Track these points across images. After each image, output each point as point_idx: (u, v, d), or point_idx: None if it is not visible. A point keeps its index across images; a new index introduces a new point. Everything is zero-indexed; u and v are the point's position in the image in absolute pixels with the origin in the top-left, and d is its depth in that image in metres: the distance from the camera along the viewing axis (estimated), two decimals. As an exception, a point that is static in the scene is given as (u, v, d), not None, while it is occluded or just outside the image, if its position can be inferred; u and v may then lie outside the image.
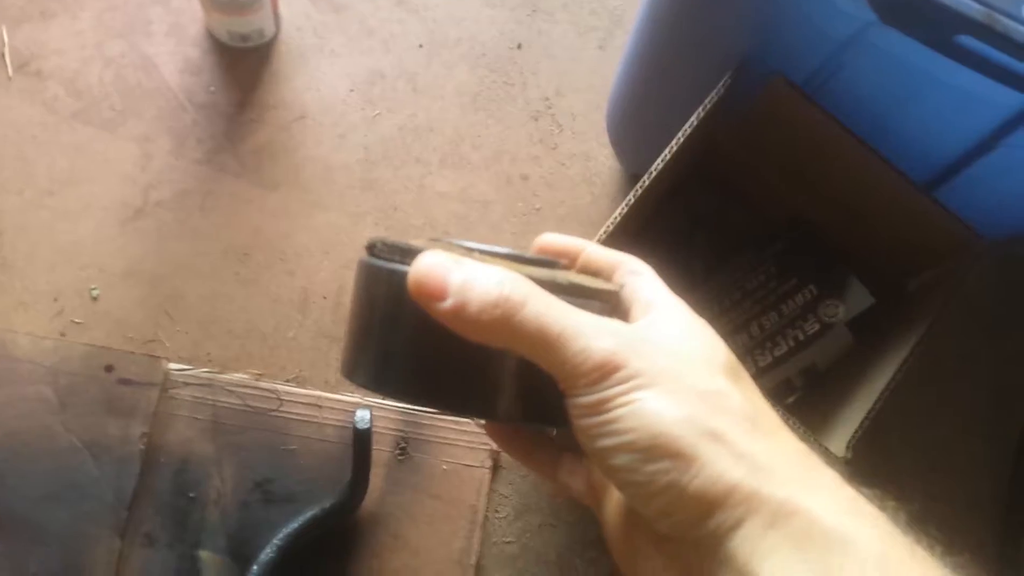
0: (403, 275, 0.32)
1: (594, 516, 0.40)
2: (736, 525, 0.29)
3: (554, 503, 0.78)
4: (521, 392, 0.33)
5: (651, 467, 0.29)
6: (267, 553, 0.72)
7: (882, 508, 0.32)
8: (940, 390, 0.84)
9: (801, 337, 0.70)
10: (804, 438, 0.57)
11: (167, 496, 0.75)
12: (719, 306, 0.74)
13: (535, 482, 0.79)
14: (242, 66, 0.88)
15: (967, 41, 0.50)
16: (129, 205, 0.82)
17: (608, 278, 0.39)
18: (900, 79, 0.59)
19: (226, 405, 0.77)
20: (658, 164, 0.61)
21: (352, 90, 0.89)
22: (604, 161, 0.89)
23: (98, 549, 0.73)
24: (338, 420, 0.78)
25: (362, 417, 0.72)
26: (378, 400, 0.79)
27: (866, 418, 0.58)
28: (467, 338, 0.31)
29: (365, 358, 0.35)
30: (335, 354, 0.81)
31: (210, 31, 0.88)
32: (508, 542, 0.78)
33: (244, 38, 0.87)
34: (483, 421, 0.40)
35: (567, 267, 0.39)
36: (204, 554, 0.74)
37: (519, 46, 0.93)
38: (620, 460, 0.30)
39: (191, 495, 0.75)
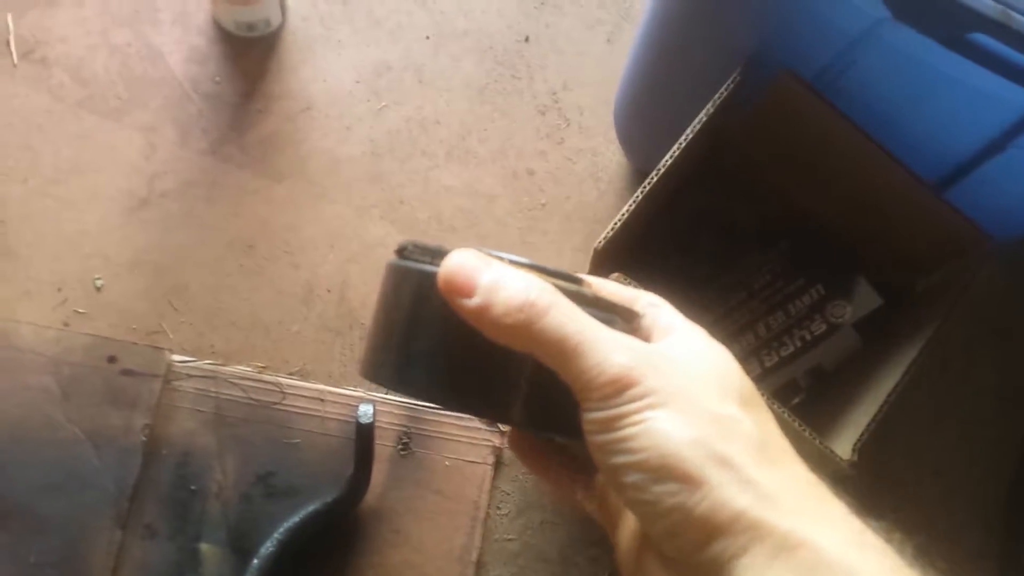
0: (432, 275, 0.32)
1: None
2: (740, 553, 0.29)
3: (556, 501, 0.78)
4: (539, 399, 0.33)
5: (659, 488, 0.29)
6: (268, 547, 0.72)
7: (889, 540, 0.32)
8: (944, 392, 0.84)
9: (808, 337, 0.70)
10: (810, 442, 0.56)
11: (168, 488, 0.75)
12: (725, 305, 0.74)
13: (537, 480, 0.78)
14: (248, 56, 0.87)
15: (981, 39, 0.49)
16: (134, 195, 0.82)
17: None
18: (911, 77, 0.58)
19: (229, 397, 0.77)
20: (667, 160, 0.60)
21: (358, 81, 0.88)
22: (611, 157, 0.89)
23: (99, 540, 0.73)
24: (341, 414, 0.77)
25: (365, 412, 0.72)
26: (381, 395, 0.78)
27: (872, 421, 0.57)
28: (490, 338, 0.31)
29: (388, 357, 0.36)
30: (339, 348, 0.80)
31: (216, 20, 0.88)
32: (509, 539, 0.77)
33: (250, 27, 0.87)
34: (501, 425, 0.41)
35: (588, 285, 0.38)
36: (205, 547, 0.74)
37: (527, 39, 0.92)
38: (630, 478, 0.30)
39: (192, 487, 0.75)
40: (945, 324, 0.62)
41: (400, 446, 0.77)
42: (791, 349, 0.70)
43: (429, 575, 0.75)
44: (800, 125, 0.65)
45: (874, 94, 0.63)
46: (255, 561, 0.72)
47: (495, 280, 0.31)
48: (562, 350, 0.30)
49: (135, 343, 0.78)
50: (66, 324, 0.78)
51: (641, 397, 0.30)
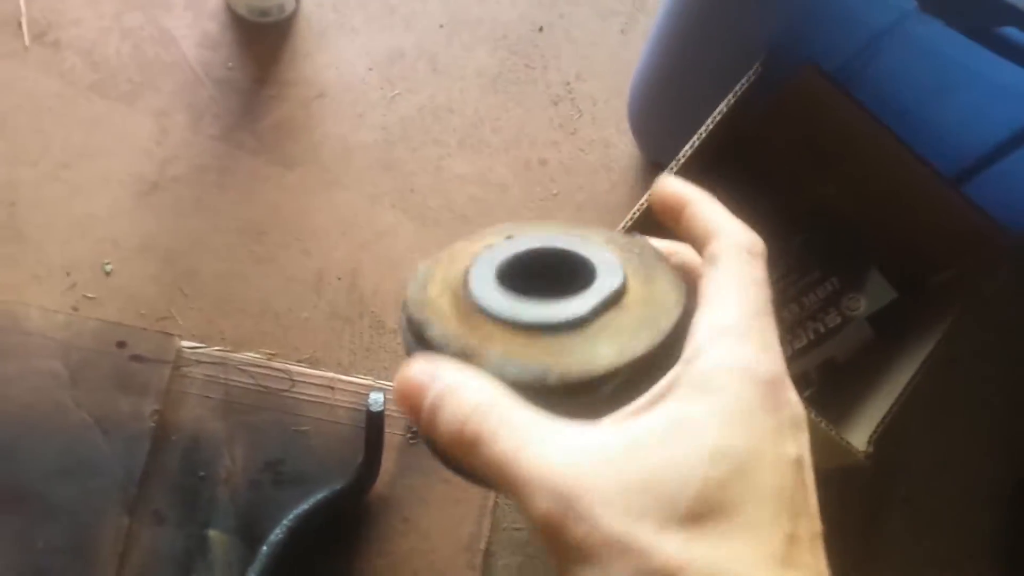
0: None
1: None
2: None
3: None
4: None
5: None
6: (277, 534, 0.72)
7: None
8: (953, 385, 0.84)
9: (822, 330, 0.70)
10: (825, 433, 0.56)
11: (177, 474, 0.74)
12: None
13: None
14: (261, 41, 0.87)
15: (1008, 32, 0.49)
16: (145, 180, 0.81)
17: (700, 251, 0.33)
18: (936, 70, 0.58)
19: (238, 384, 0.77)
20: (686, 151, 0.60)
21: (371, 69, 0.88)
22: (624, 148, 0.88)
23: (106, 526, 0.72)
24: (351, 402, 0.77)
25: (375, 400, 0.71)
26: (391, 383, 0.78)
27: (888, 413, 0.57)
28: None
29: None
30: (349, 336, 0.80)
31: (229, 5, 0.87)
32: (518, 528, 0.77)
33: (263, 12, 0.86)
34: None
35: (643, 241, 0.36)
36: (213, 533, 0.74)
37: (540, 29, 0.91)
38: None
39: (201, 474, 0.75)
40: (960, 319, 0.61)
41: (409, 434, 0.77)
42: (804, 342, 0.70)
43: (437, 563, 0.75)
44: (820, 118, 0.65)
45: (896, 88, 0.62)
46: (264, 548, 0.71)
47: (433, 402, 0.29)
48: (504, 484, 0.27)
49: (144, 328, 0.77)
50: (75, 308, 0.77)
51: (567, 551, 0.26)
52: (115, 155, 0.82)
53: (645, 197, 0.60)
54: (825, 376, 0.71)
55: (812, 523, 0.27)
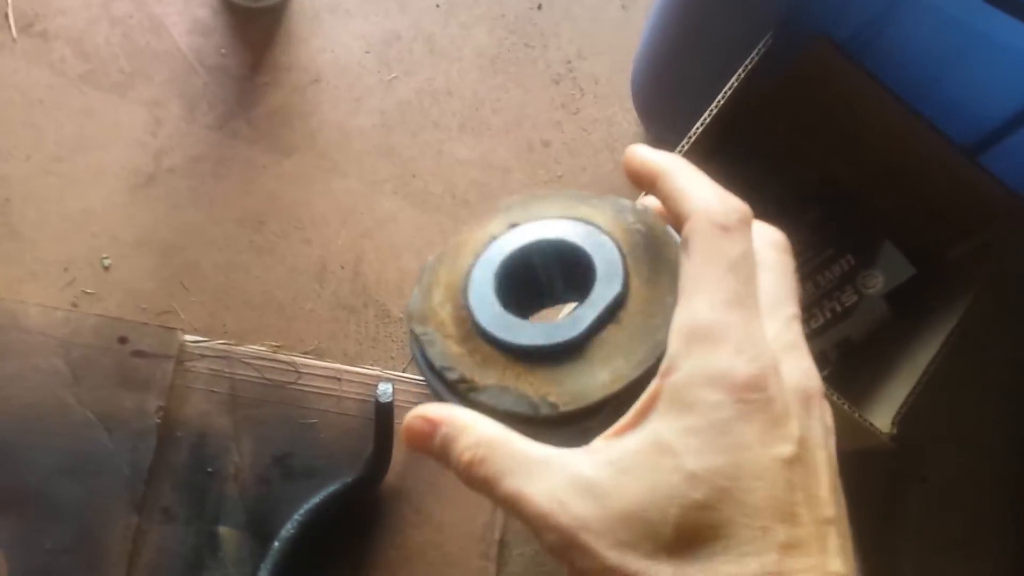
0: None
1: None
2: None
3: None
4: None
5: None
6: (288, 529, 0.71)
7: None
8: (966, 363, 0.82)
9: (838, 309, 0.68)
10: (848, 415, 0.55)
11: (185, 471, 0.73)
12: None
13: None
14: (254, 27, 0.85)
15: (1031, -4, 0.47)
16: (140, 171, 0.80)
17: (679, 232, 0.31)
18: (951, 38, 0.57)
19: (243, 378, 0.75)
20: (697, 128, 0.58)
21: (368, 52, 0.86)
22: (628, 127, 0.87)
23: (115, 525, 0.71)
24: (358, 393, 0.76)
25: (384, 390, 0.70)
26: (398, 373, 0.77)
27: (912, 393, 0.56)
28: None
29: None
30: (354, 326, 0.79)
31: (220, -9, 0.85)
32: (532, 516, 0.76)
33: (256, -2, 0.84)
34: None
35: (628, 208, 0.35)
36: (223, 530, 0.72)
37: (539, 6, 0.89)
38: None
39: (209, 470, 0.73)
40: (982, 293, 0.60)
41: (419, 425, 0.76)
42: (821, 321, 0.68)
43: (452, 555, 0.74)
44: (832, 91, 0.63)
45: (910, 58, 0.61)
46: (275, 544, 0.70)
47: (440, 449, 0.30)
48: (510, 510, 0.28)
49: (146, 323, 0.76)
50: (74, 305, 0.76)
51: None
52: (109, 147, 0.80)
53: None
54: (843, 356, 0.69)
55: (817, 511, 0.26)
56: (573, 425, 0.30)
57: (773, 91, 0.67)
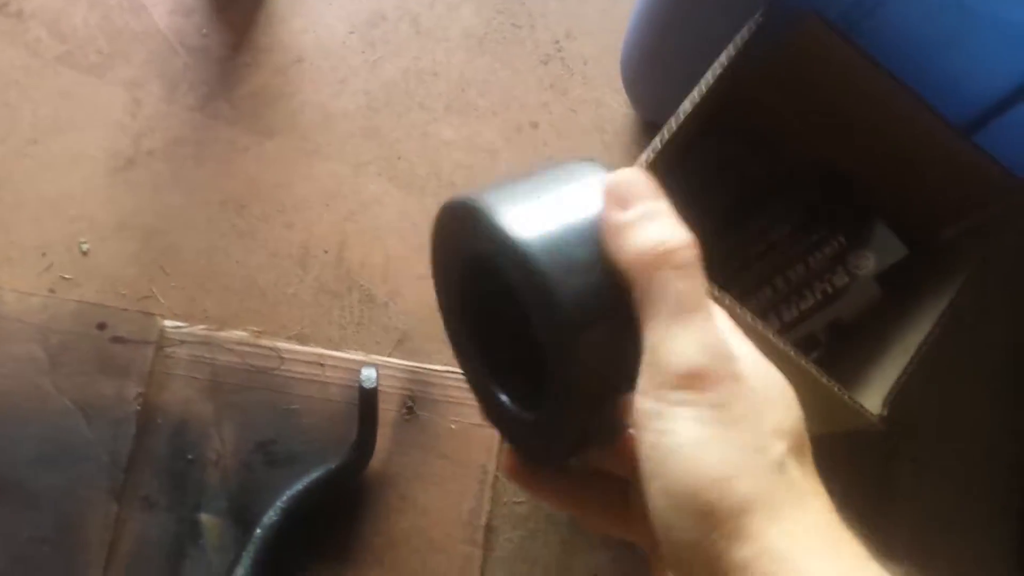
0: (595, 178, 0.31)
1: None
2: None
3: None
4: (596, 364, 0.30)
5: (675, 516, 0.27)
6: (270, 516, 0.69)
7: None
8: (958, 345, 0.81)
9: (829, 290, 0.67)
10: (838, 398, 0.54)
11: (165, 458, 0.72)
12: (742, 259, 0.71)
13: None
14: (235, 7, 0.83)
15: (1028, -32, 0.46)
16: (119, 154, 0.78)
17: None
18: (945, 14, 0.55)
19: (225, 364, 0.74)
20: (685, 107, 0.57)
21: (352, 32, 0.84)
22: (617, 108, 0.85)
23: (94, 513, 0.70)
24: (342, 379, 0.75)
25: (368, 376, 0.69)
26: (383, 358, 0.76)
27: (903, 375, 0.55)
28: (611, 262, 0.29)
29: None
30: (337, 311, 0.77)
31: (200, -31, 0.83)
32: (519, 502, 0.75)
33: (237, -24, 0.82)
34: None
35: None
36: (205, 517, 0.71)
37: (527, -14, 0.88)
38: (655, 496, 0.27)
39: (190, 457, 0.72)
40: (974, 275, 0.59)
41: (404, 410, 0.75)
42: (811, 302, 0.67)
43: (437, 541, 0.73)
44: (824, 69, 0.62)
45: (903, 34, 0.59)
46: (258, 531, 0.69)
47: (653, 211, 0.29)
48: (670, 311, 0.28)
49: (125, 309, 0.74)
50: (52, 291, 0.74)
51: (703, 404, 0.27)
52: (87, 129, 0.78)
53: (642, 157, 0.57)
54: (833, 337, 0.68)
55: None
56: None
57: (764, 70, 0.65)
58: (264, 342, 0.75)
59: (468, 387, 0.35)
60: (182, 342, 0.74)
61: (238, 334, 0.75)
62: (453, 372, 0.76)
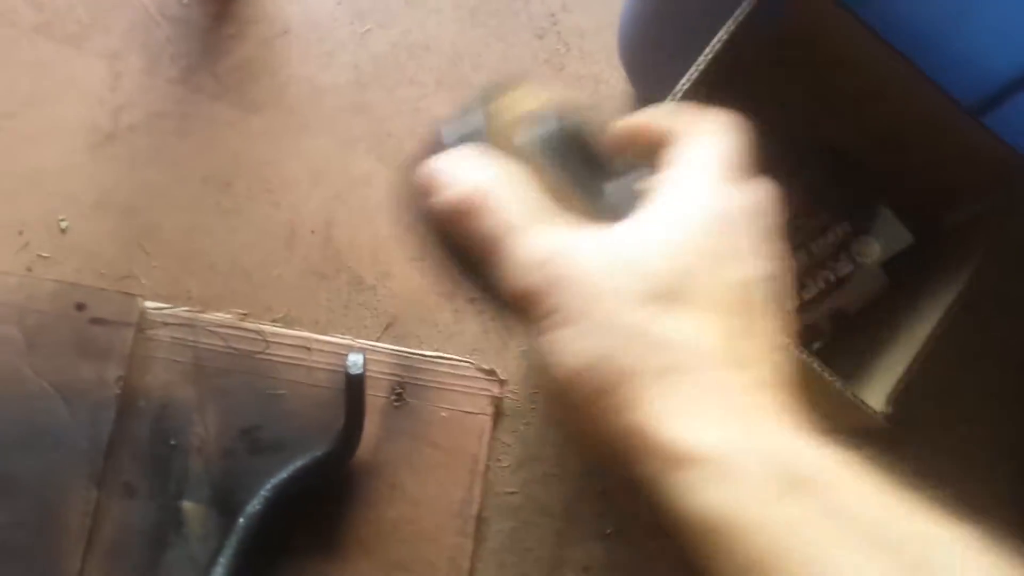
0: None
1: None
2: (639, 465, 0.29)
3: (559, 452, 0.74)
4: None
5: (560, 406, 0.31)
6: (254, 504, 0.68)
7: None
8: (971, 335, 0.79)
9: (832, 279, 0.65)
10: (839, 393, 0.52)
11: (146, 444, 0.70)
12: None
13: (539, 430, 0.74)
14: (219, -25, 0.80)
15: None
16: (99, 129, 0.75)
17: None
18: (959, -12, 0.52)
19: (208, 347, 0.72)
20: (683, 85, 0.54)
21: (340, 3, 0.81)
22: (615, 84, 0.82)
23: (73, 500, 0.68)
24: (329, 363, 0.73)
25: (354, 361, 0.67)
26: (371, 343, 0.74)
27: (908, 370, 0.53)
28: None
29: None
30: (325, 293, 0.75)
31: (183, -64, 0.80)
32: (511, 492, 0.73)
33: (221, -56, 0.79)
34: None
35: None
36: (187, 505, 0.70)
37: (523, -45, 0.85)
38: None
39: (172, 442, 0.70)
40: (985, 263, 0.57)
41: (393, 396, 0.73)
42: (815, 291, 0.65)
43: (427, 531, 0.71)
44: (828, 46, 0.59)
45: (911, 8, 0.57)
46: (241, 520, 0.68)
47: (439, 173, 0.33)
48: (487, 251, 0.31)
49: (104, 289, 0.72)
50: (29, 269, 0.72)
51: (545, 315, 0.30)
52: (65, 103, 0.76)
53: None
54: (836, 327, 0.66)
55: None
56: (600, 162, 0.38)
57: (764, 46, 0.63)
58: (248, 325, 0.73)
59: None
60: (164, 324, 0.72)
61: (222, 316, 0.73)
62: (444, 358, 0.74)
